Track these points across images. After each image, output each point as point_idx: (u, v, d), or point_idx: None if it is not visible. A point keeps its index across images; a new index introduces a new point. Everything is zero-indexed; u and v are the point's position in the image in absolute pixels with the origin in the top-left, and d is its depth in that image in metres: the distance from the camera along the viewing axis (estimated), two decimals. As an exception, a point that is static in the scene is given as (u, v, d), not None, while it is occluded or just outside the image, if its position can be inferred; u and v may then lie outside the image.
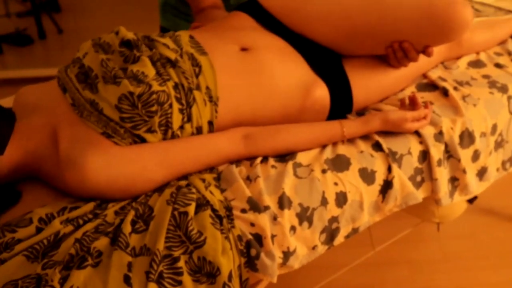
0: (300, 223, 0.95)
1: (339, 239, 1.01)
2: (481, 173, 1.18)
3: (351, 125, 1.06)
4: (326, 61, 1.16)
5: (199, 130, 1.01)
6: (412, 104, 1.11)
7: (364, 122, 1.07)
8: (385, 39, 1.12)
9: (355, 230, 1.02)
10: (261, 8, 1.20)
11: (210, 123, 1.01)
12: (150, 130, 0.94)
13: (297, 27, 1.18)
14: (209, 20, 1.29)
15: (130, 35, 1.02)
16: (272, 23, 1.19)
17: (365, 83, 1.16)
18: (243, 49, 1.10)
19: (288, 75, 1.09)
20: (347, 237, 1.02)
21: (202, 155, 0.98)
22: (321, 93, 1.10)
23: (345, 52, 1.18)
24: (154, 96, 0.93)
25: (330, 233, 0.99)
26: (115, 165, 0.90)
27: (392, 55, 1.13)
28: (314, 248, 0.97)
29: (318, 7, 1.16)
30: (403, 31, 1.09)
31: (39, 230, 0.86)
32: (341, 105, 1.14)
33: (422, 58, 1.19)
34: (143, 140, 0.95)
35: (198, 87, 1.00)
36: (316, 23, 1.16)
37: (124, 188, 0.92)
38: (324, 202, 0.97)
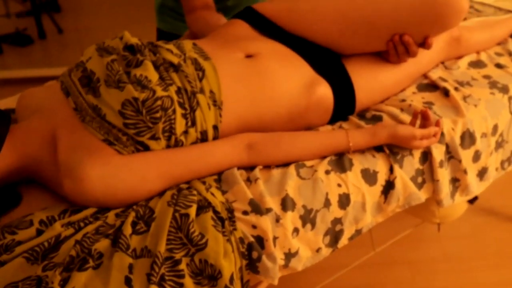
0: (303, 225, 0.94)
1: (343, 241, 1.00)
2: (482, 173, 1.18)
3: (357, 136, 1.04)
4: (327, 62, 1.16)
5: (203, 135, 0.99)
6: (424, 119, 1.06)
7: (372, 134, 1.04)
8: (384, 31, 1.11)
9: (358, 232, 1.02)
10: (258, 15, 1.20)
11: (215, 127, 1.00)
12: (154, 137, 0.93)
13: (295, 28, 1.18)
14: (201, 25, 1.28)
15: (134, 40, 1.01)
16: (270, 28, 1.19)
17: (368, 83, 1.16)
18: (248, 56, 1.09)
19: (290, 78, 1.09)
20: (350, 239, 1.02)
21: (203, 167, 0.97)
22: (324, 91, 1.10)
23: (346, 50, 1.18)
24: (159, 102, 0.92)
25: (334, 235, 0.99)
26: (115, 176, 0.88)
27: (393, 50, 1.13)
28: (318, 250, 0.97)
29: (312, 4, 1.16)
30: (402, 21, 1.09)
31: (39, 232, 0.86)
32: (344, 104, 1.13)
33: (423, 57, 1.19)
34: (146, 148, 0.93)
35: (201, 91, 0.99)
36: (312, 21, 1.16)
37: (122, 199, 0.90)
38: (327, 203, 0.97)
